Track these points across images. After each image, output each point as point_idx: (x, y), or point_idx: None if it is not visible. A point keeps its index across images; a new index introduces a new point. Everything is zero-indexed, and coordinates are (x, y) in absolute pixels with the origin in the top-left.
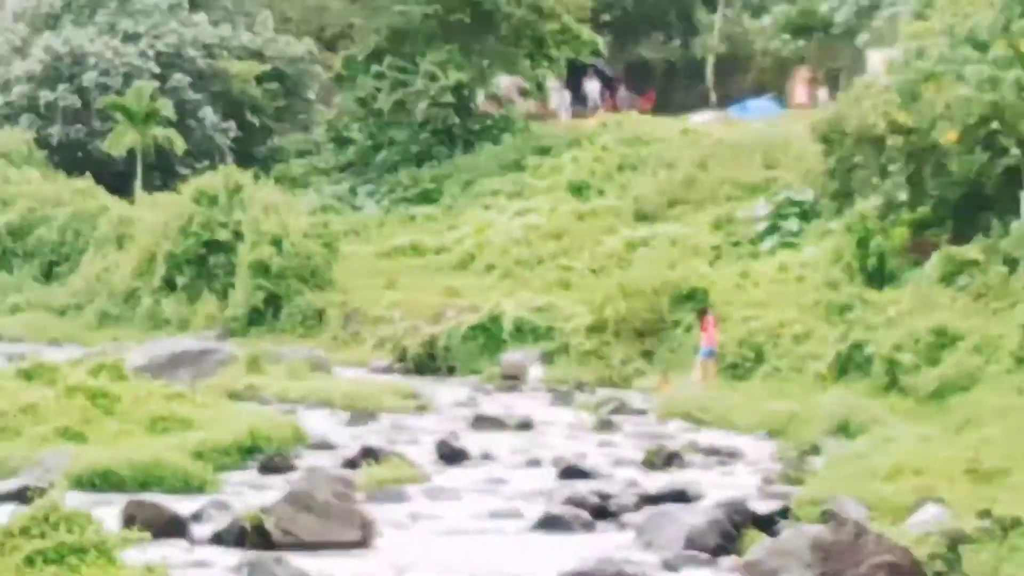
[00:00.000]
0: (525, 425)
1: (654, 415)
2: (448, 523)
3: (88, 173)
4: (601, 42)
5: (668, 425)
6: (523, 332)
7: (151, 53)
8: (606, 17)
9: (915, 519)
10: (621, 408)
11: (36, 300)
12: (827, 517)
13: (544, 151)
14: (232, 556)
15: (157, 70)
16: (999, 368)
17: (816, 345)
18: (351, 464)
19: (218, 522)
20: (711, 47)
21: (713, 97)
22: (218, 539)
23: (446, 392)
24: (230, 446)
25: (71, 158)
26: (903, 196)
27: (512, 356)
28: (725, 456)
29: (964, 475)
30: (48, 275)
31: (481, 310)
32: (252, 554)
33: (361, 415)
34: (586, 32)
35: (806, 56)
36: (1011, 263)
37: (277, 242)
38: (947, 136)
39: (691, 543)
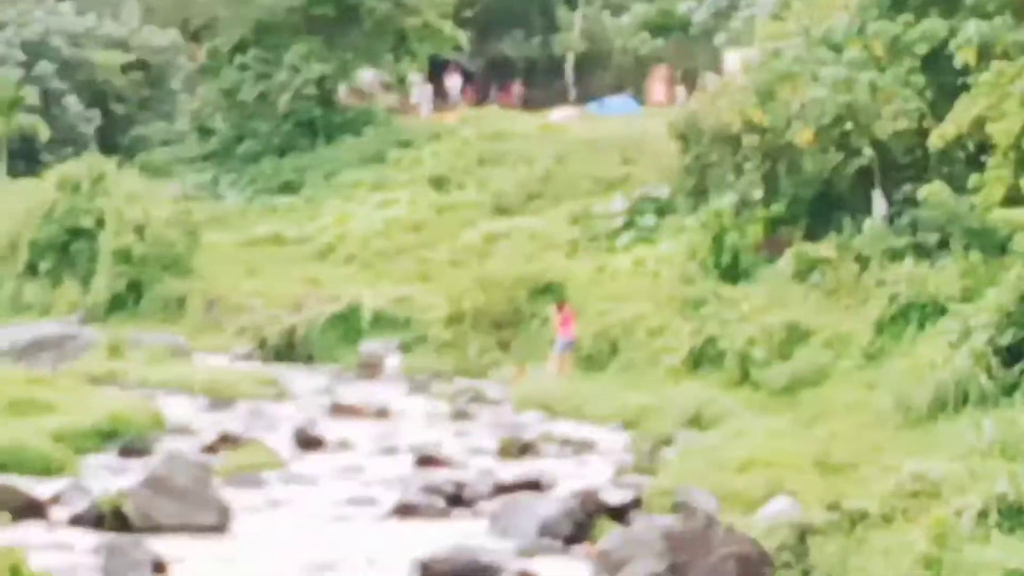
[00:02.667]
0: (382, 413)
1: (510, 405)
2: (305, 509)
3: None
4: (463, 38)
5: (524, 415)
6: (382, 322)
7: (16, 41)
8: (468, 13)
9: (765, 511)
10: (477, 398)
11: None
12: (678, 508)
13: (405, 144)
14: (91, 538)
15: (23, 58)
16: (849, 364)
17: (670, 339)
18: (210, 449)
19: (77, 505)
20: (571, 44)
21: (573, 94)
22: (77, 521)
23: (305, 380)
24: (90, 430)
25: None
26: (758, 194)
27: (370, 346)
28: (579, 447)
29: (814, 468)
30: None
31: (341, 300)
32: (110, 536)
33: (220, 401)
34: (448, 28)
35: (664, 55)
36: (863, 261)
37: (139, 230)
38: (802, 136)
39: (545, 531)
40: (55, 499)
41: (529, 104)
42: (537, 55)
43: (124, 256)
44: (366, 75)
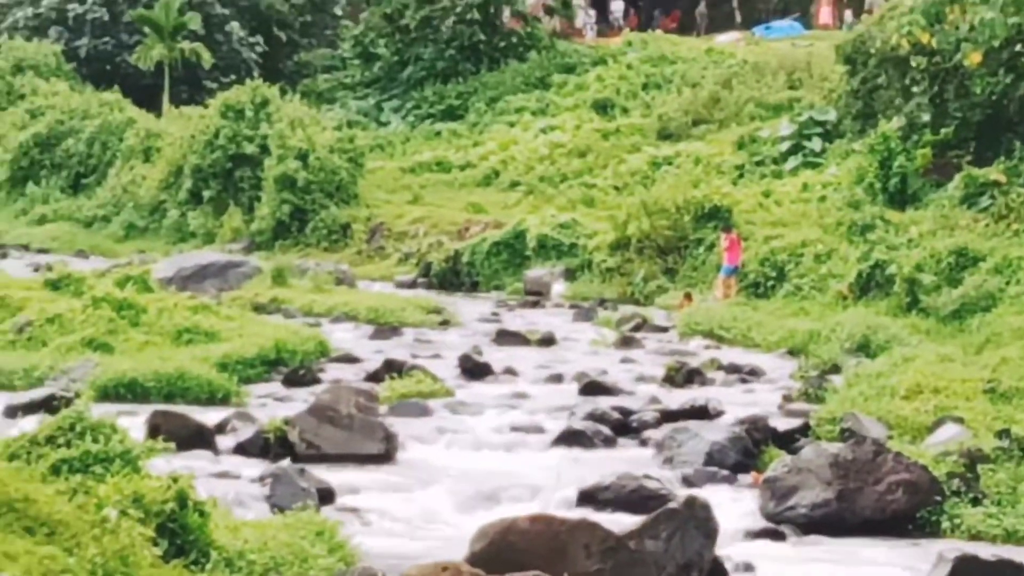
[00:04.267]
0: (547, 341)
1: (675, 332)
2: (470, 437)
3: (116, 86)
4: None
5: (689, 343)
6: (546, 249)
7: None
8: None
9: (934, 438)
10: (642, 325)
11: (63, 211)
12: (846, 435)
13: (569, 69)
14: (256, 467)
15: None
16: (1019, 289)
17: (837, 264)
18: (374, 377)
19: (242, 433)
20: None
21: (738, 17)
22: (242, 450)
23: (469, 307)
24: (255, 358)
25: (99, 71)
26: (926, 117)
27: (535, 272)
28: (746, 374)
29: (983, 395)
30: (75, 187)
31: (505, 226)
32: (276, 465)
33: (385, 329)
34: None
35: None
36: None
37: (303, 156)
38: (971, 58)
39: (711, 460)
40: (220, 428)
41: (694, 28)
42: None
43: (288, 183)
44: None
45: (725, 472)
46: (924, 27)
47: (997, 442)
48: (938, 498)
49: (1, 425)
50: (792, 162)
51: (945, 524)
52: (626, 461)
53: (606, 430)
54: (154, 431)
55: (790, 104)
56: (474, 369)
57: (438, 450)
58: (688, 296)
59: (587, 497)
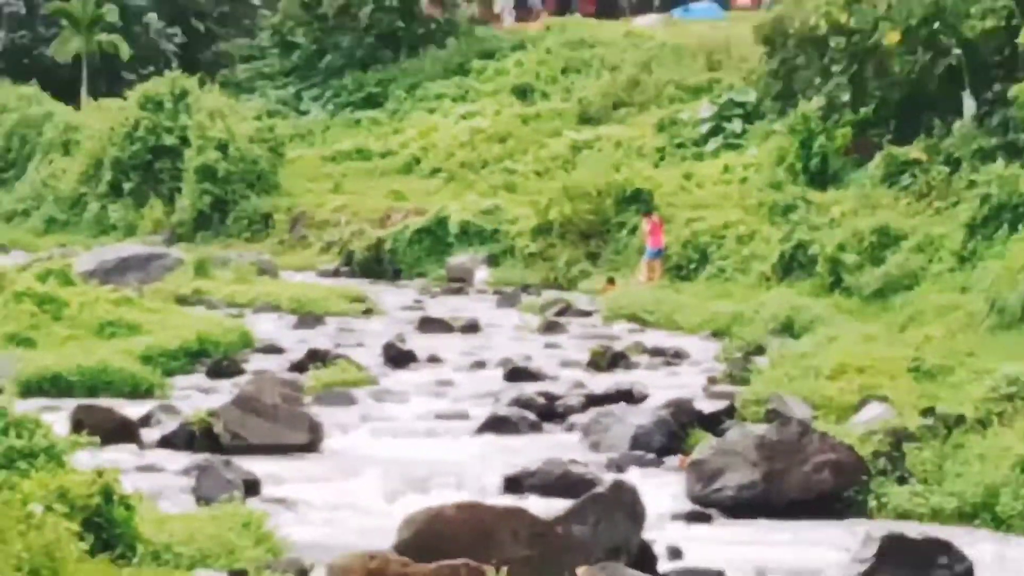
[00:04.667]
0: (471, 328)
1: (599, 316)
2: (396, 425)
3: (34, 80)
4: None
5: (613, 326)
6: (468, 235)
7: None
8: None
9: (859, 417)
10: (566, 310)
11: None
12: (771, 416)
13: (488, 55)
14: (181, 459)
15: None
16: (941, 267)
17: (760, 246)
18: (299, 367)
19: (167, 426)
20: None
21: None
22: (167, 443)
23: (392, 295)
24: (178, 350)
25: (17, 64)
26: (845, 97)
27: (458, 259)
28: (670, 357)
29: (907, 373)
30: None
31: (427, 213)
32: (201, 457)
33: (308, 319)
34: None
35: None
36: (953, 163)
37: (223, 147)
38: (889, 37)
39: (637, 443)
40: (144, 421)
41: (613, 11)
42: None
43: (208, 174)
44: None
45: (651, 456)
46: (842, 7)
47: (922, 420)
48: (864, 477)
49: None
50: (713, 144)
51: (872, 503)
52: (552, 446)
53: (531, 416)
54: (78, 426)
55: (710, 86)
56: (398, 357)
57: (363, 439)
58: (611, 280)
59: (513, 483)
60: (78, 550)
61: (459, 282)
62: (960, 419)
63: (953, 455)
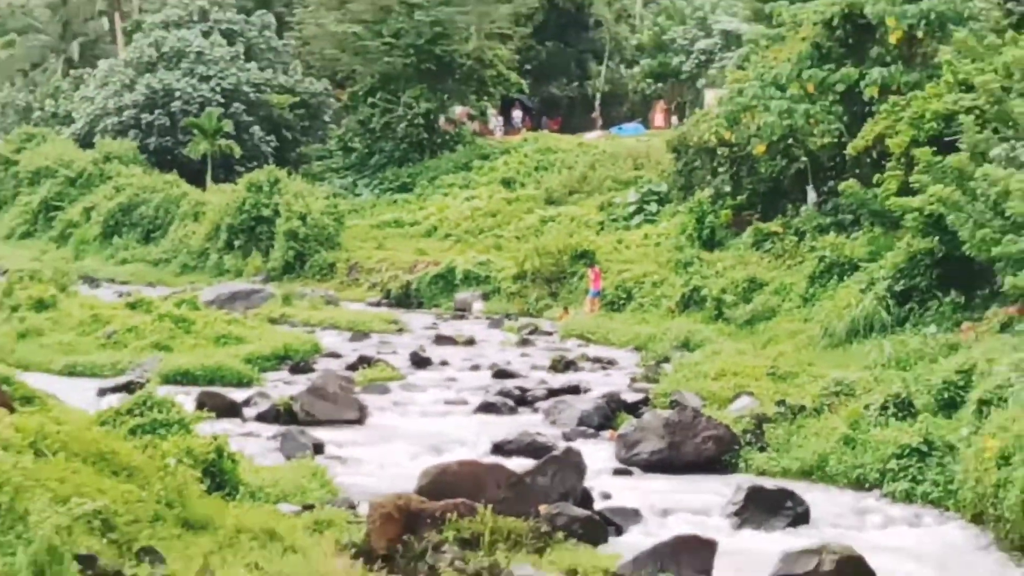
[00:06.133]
0: (470, 341)
1: (557, 335)
2: (417, 407)
3: (174, 170)
4: (523, 83)
5: (567, 342)
6: (469, 279)
7: (218, 89)
8: (527, 66)
9: (733, 406)
10: (535, 331)
11: (138, 255)
12: (674, 404)
13: (484, 157)
14: (270, 429)
15: (222, 100)
16: (791, 305)
17: (667, 288)
18: (352, 367)
19: (261, 406)
20: (598, 87)
21: (600, 122)
22: (261, 418)
23: (416, 319)
24: (270, 355)
25: (163, 160)
26: (727, 188)
27: (462, 295)
28: (605, 363)
29: (766, 376)
30: (147, 239)
31: (441, 264)
32: (284, 428)
33: (359, 334)
34: (514, 77)
35: (663, 94)
36: (800, 234)
37: (303, 217)
38: (758, 148)
39: (582, 421)
40: (246, 402)
41: (569, 129)
42: (575, 94)
43: (292, 235)
44: (457, 109)
45: (591, 430)
46: (726, 127)
47: (776, 408)
48: (736, 447)
49: (94, 402)
50: (637, 219)
51: (741, 464)
52: (524, 423)
53: (510, 402)
54: (200, 405)
55: (635, 180)
56: (419, 361)
57: (395, 417)
58: (566, 310)
59: (498, 448)
60: (199, 491)
61: (462, 311)
62: (802, 408)
63: (797, 432)
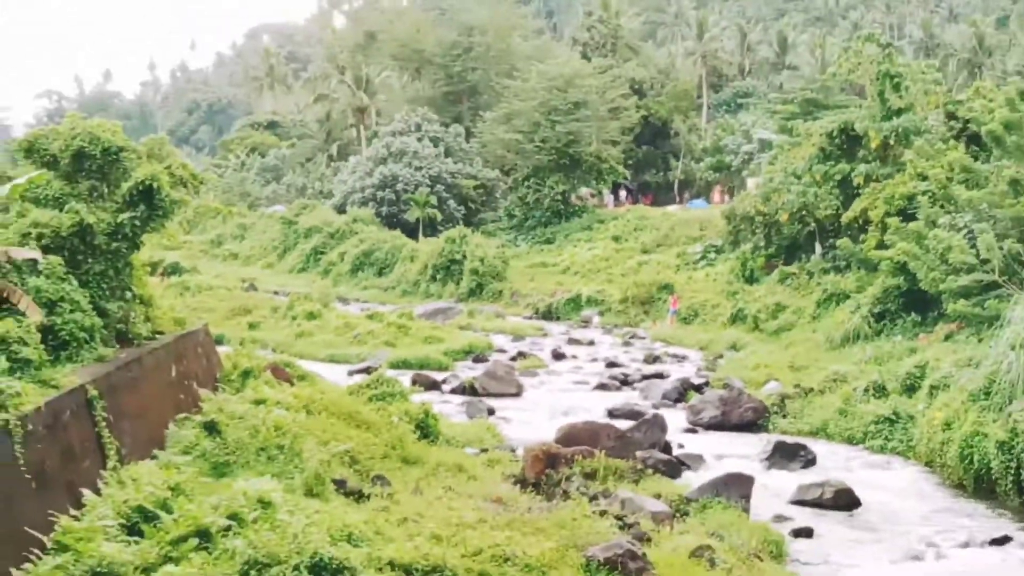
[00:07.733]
0: (591, 343)
1: (649, 340)
2: (557, 386)
3: (398, 228)
4: (627, 173)
5: (655, 345)
6: (591, 301)
7: (427, 176)
8: (629, 161)
9: (765, 388)
10: (634, 336)
11: (374, 284)
12: (726, 386)
13: (601, 221)
14: (459, 399)
15: (429, 183)
16: (804, 321)
17: (722, 309)
18: (513, 359)
19: (454, 384)
20: (676, 176)
21: (678, 199)
22: (454, 391)
23: (556, 329)
24: (459, 350)
25: (390, 221)
26: (762, 244)
27: (586, 312)
28: (680, 359)
29: (788, 368)
30: (380, 274)
31: (572, 291)
32: (468, 398)
33: (518, 337)
34: (620, 168)
35: (720, 180)
36: (810, 274)
37: (481, 260)
38: (783, 217)
39: (665, 396)
40: (444, 381)
41: (658, 203)
42: (661, 181)
43: (475, 272)
44: (583, 190)
45: (671, 402)
46: (762, 203)
47: (794, 389)
48: (767, 415)
49: (345, 379)
50: (702, 263)
51: (770, 427)
52: (626, 397)
53: (617, 383)
54: (414, 382)
55: (701, 237)
56: (558, 355)
57: (541, 392)
58: (654, 323)
59: (610, 413)
60: (413, 438)
61: (586, 323)
62: (811, 389)
63: (808, 405)
